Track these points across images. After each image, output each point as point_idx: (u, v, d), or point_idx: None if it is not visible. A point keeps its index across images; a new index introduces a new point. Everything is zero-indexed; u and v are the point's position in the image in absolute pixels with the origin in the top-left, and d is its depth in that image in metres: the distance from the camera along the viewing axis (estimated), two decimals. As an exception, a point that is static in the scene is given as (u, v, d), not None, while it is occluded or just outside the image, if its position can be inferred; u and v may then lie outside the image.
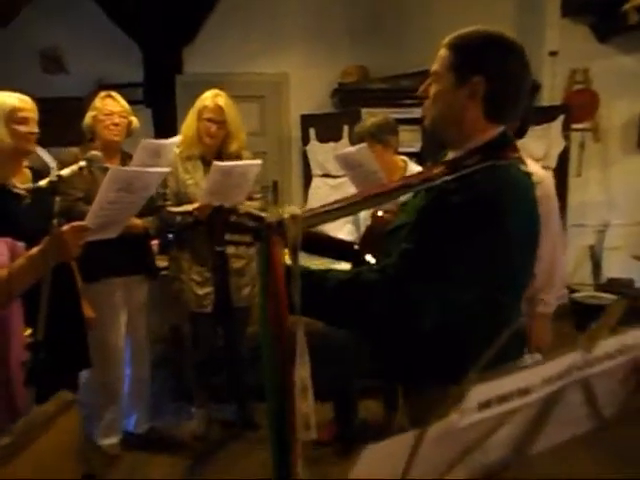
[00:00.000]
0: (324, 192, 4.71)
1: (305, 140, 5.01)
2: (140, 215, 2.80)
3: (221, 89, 2.94)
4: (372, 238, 1.83)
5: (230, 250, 2.92)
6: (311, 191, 4.96)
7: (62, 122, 3.73)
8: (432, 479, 0.79)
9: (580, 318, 4.94)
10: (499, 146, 1.33)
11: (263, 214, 1.43)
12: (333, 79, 5.19)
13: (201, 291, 2.98)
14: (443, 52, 1.34)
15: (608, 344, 0.85)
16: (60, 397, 1.34)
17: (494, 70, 1.28)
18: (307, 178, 5.04)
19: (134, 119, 2.87)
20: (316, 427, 1.17)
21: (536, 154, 4.96)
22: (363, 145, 2.33)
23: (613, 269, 5.11)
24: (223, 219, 1.47)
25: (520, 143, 5.42)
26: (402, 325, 1.28)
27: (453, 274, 1.25)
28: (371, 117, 2.86)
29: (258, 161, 2.77)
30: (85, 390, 2.87)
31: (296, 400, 1.16)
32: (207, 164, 2.87)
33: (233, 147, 2.91)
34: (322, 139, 4.86)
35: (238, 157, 2.90)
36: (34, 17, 5.09)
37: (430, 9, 5.17)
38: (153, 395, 3.24)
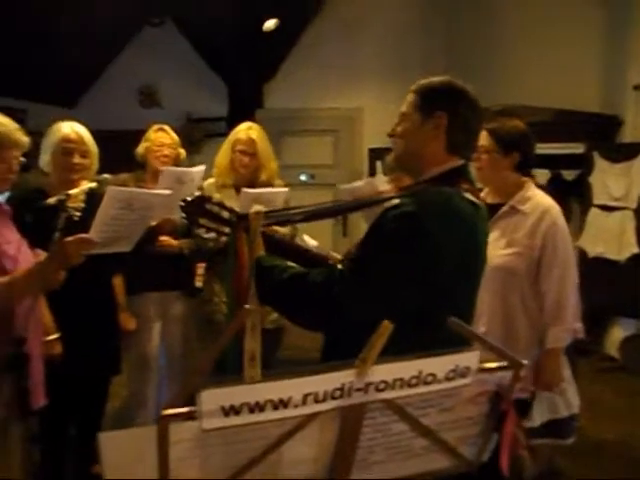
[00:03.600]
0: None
1: (372, 173, 5.08)
2: (179, 236, 3.04)
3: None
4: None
5: None
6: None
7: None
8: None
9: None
10: (451, 177, 1.45)
11: (235, 207, 1.65)
12: (405, 114, 5.24)
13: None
14: (410, 96, 1.51)
15: (395, 369, 0.85)
16: None
17: (452, 109, 1.45)
18: (374, 210, 5.09)
19: (182, 151, 3.13)
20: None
21: (615, 193, 4.65)
22: (369, 180, 2.40)
23: None
24: (201, 206, 1.65)
25: (599, 181, 5.04)
26: (331, 327, 1.43)
27: (379, 282, 1.35)
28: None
29: (285, 189, 2.89)
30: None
31: (245, 366, 1.48)
32: (239, 192, 3.04)
33: (263, 177, 3.07)
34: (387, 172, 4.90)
35: (269, 186, 3.04)
36: (134, 56, 5.68)
37: (511, 46, 5.07)
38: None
